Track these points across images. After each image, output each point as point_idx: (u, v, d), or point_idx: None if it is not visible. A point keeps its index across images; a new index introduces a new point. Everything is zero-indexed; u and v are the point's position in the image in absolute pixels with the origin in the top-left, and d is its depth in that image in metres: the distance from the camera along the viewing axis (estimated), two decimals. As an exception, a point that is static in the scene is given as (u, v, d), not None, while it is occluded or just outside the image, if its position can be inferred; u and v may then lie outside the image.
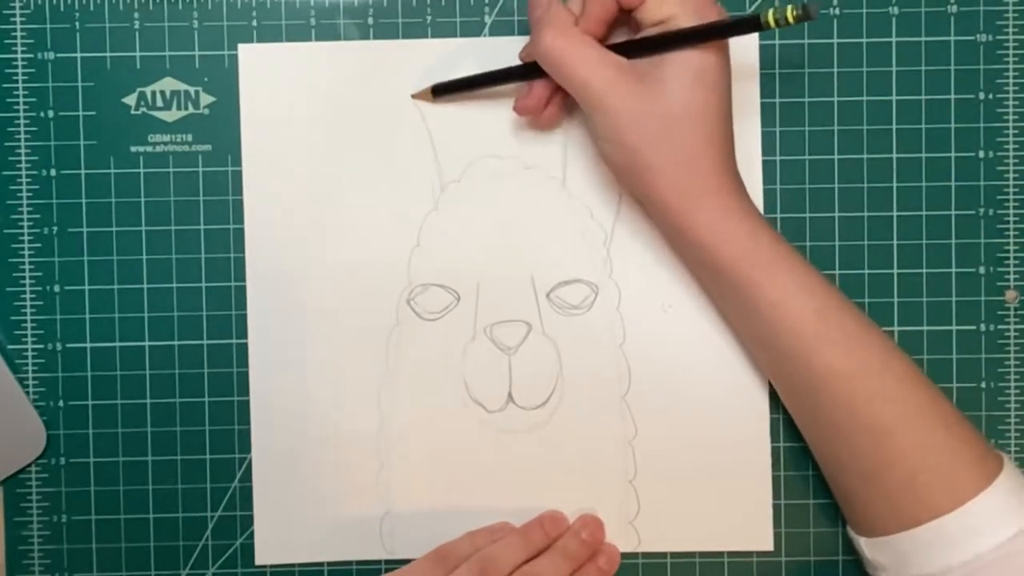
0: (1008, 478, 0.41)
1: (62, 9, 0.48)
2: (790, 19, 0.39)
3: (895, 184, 0.49)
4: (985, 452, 0.42)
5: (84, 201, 0.48)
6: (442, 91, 0.48)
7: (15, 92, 0.48)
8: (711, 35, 0.41)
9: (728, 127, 0.43)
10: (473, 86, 0.47)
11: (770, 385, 0.48)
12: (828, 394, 0.42)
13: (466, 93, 0.48)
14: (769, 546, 0.48)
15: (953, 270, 0.49)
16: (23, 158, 0.48)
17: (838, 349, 0.42)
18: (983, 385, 0.49)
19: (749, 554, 0.49)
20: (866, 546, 0.44)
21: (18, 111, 0.48)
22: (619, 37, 0.45)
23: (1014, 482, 0.41)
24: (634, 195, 0.47)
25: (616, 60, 0.42)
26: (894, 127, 0.49)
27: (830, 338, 0.42)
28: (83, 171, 0.48)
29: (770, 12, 0.40)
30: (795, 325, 0.42)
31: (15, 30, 0.48)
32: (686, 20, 0.41)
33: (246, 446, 0.48)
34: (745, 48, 0.48)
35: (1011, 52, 0.48)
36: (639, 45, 0.43)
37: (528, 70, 0.45)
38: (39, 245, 0.48)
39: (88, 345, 0.48)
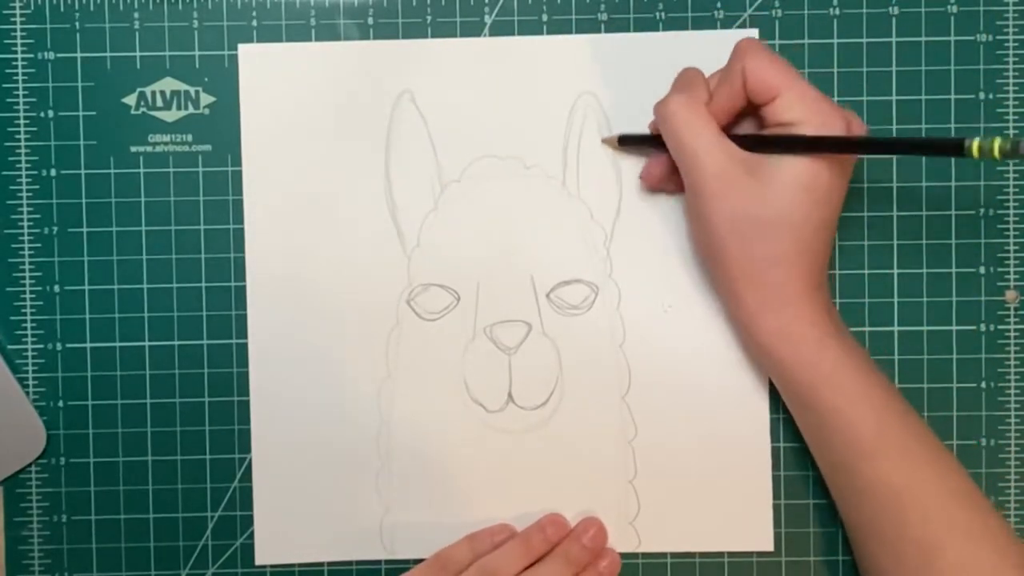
0: None
1: (62, 9, 0.48)
2: (996, 153, 0.36)
3: (895, 184, 0.49)
4: None
5: (84, 201, 0.48)
6: (626, 142, 0.48)
7: (15, 92, 0.48)
8: (828, 147, 0.41)
9: (827, 241, 0.43)
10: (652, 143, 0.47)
11: (770, 385, 0.48)
12: (880, 504, 0.42)
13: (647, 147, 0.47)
14: (769, 546, 0.48)
15: (953, 270, 0.49)
16: (23, 158, 0.48)
17: (894, 463, 0.42)
18: (983, 385, 0.49)
19: (749, 554, 0.49)
20: None
21: (18, 111, 0.48)
22: (743, 129, 0.45)
23: None
24: (710, 275, 0.47)
25: (730, 148, 0.42)
26: (894, 127, 0.49)
27: (887, 452, 0.42)
28: (83, 171, 0.48)
29: (975, 142, 0.36)
30: (853, 435, 0.42)
31: (15, 30, 0.48)
32: (810, 128, 0.41)
33: (246, 446, 0.48)
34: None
35: (1011, 52, 0.48)
36: (757, 140, 0.43)
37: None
38: (39, 245, 0.48)
39: (88, 345, 0.48)
